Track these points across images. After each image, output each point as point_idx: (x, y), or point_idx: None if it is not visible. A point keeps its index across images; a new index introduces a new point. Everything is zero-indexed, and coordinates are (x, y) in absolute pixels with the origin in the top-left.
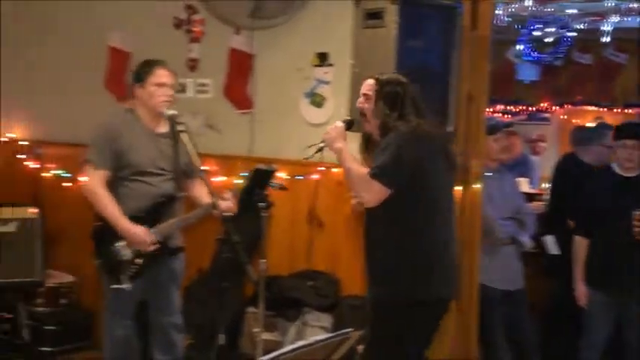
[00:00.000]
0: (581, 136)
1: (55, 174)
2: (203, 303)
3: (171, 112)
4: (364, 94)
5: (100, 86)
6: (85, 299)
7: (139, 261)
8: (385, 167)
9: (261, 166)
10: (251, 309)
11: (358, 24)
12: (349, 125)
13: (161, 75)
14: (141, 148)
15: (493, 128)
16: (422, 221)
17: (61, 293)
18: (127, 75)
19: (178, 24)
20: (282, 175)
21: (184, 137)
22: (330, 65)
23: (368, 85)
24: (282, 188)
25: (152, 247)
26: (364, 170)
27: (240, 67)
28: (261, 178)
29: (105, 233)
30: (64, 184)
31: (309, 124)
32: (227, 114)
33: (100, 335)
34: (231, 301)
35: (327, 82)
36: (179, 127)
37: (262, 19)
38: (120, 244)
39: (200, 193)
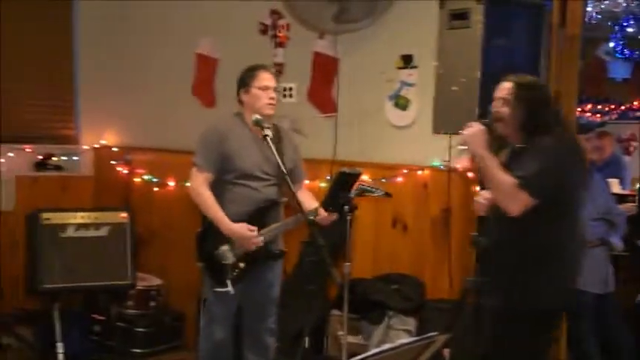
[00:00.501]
0: None
1: (144, 179)
2: (288, 306)
3: (255, 117)
4: (501, 98)
5: (188, 93)
6: (174, 301)
7: (242, 265)
8: (534, 178)
9: (346, 169)
10: (335, 312)
11: (443, 25)
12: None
13: (264, 78)
14: (247, 152)
15: (584, 128)
16: (559, 233)
17: (150, 296)
18: (214, 81)
19: (264, 30)
20: (365, 177)
21: (269, 142)
22: (415, 67)
23: (505, 88)
24: (387, 195)
25: (256, 245)
26: (510, 179)
27: (325, 71)
28: (345, 181)
29: (209, 237)
30: (153, 189)
31: (394, 126)
32: (311, 118)
33: (189, 336)
34: (315, 304)
35: (411, 85)
36: (265, 132)
37: (346, 23)
38: (224, 247)
39: (303, 198)
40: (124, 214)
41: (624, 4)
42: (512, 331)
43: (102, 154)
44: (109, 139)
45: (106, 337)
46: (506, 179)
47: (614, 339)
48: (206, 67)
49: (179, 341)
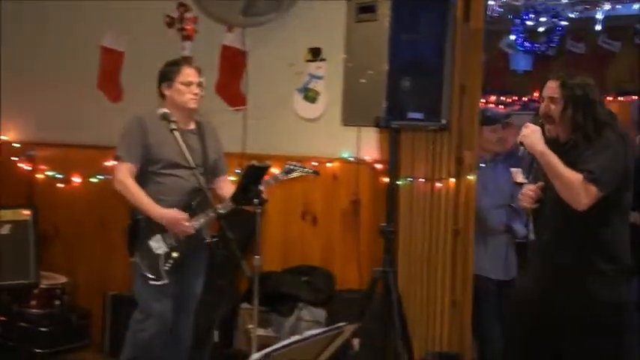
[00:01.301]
0: None
1: (47, 175)
2: (198, 301)
3: (162, 110)
4: (550, 97)
5: (93, 87)
6: (81, 300)
7: (175, 255)
8: (602, 172)
9: (255, 162)
10: (245, 305)
11: (351, 18)
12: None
13: (188, 74)
14: (172, 142)
15: (491, 119)
16: (620, 223)
17: (55, 294)
18: (119, 75)
19: (171, 22)
20: (275, 170)
21: (176, 135)
22: (323, 60)
23: (553, 87)
24: (315, 173)
25: (189, 230)
26: (577, 174)
27: (233, 64)
28: (255, 174)
29: (140, 229)
30: (58, 185)
31: (303, 119)
32: (220, 111)
33: (96, 335)
34: (225, 298)
35: (320, 77)
36: (171, 126)
37: (254, 16)
38: (156, 237)
39: (226, 189)
40: (27, 212)
41: None
42: (590, 329)
43: (3, 150)
44: (10, 135)
45: (7, 337)
46: (573, 174)
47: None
48: (111, 60)
49: (86, 340)
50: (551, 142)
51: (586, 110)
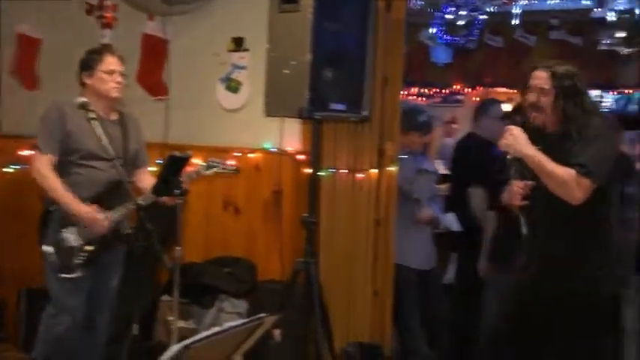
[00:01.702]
0: (473, 112)
1: None
2: (117, 293)
3: (80, 99)
4: (540, 88)
5: (7, 75)
6: None
7: (90, 248)
8: (594, 163)
9: (176, 153)
10: (165, 297)
11: (274, 9)
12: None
13: (111, 62)
14: (90, 132)
15: (424, 125)
16: (608, 212)
17: None
18: (36, 62)
19: (90, 10)
20: (198, 161)
21: (95, 125)
22: (246, 50)
23: (542, 77)
24: (236, 171)
25: (106, 228)
26: (569, 170)
27: (154, 53)
28: (176, 164)
29: (53, 219)
30: None
31: (225, 109)
32: (141, 101)
33: (10, 327)
34: (145, 290)
35: (243, 68)
36: (89, 115)
37: (176, 5)
38: (70, 229)
39: (147, 181)
40: None
41: None
42: (588, 319)
43: None
44: None
45: None
46: (564, 171)
47: (435, 313)
48: (28, 47)
49: (0, 334)
50: (536, 132)
51: (576, 100)
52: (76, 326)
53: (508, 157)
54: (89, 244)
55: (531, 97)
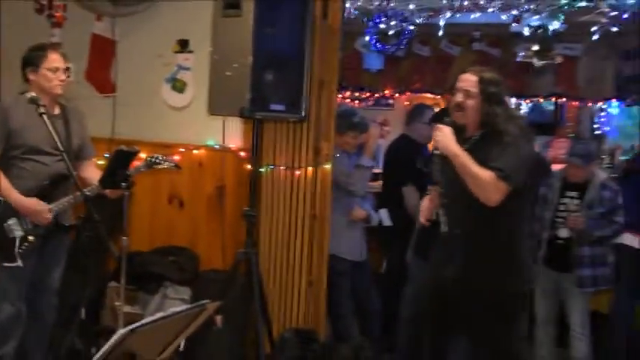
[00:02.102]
0: (406, 116)
1: None
2: (65, 279)
3: (30, 94)
4: (465, 90)
5: None
6: None
7: (32, 239)
8: (511, 168)
9: (123, 147)
10: (113, 283)
11: (218, 13)
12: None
13: (54, 60)
14: (35, 128)
15: (359, 126)
16: (524, 216)
17: None
18: None
19: (40, 9)
20: (143, 155)
21: (45, 119)
22: (191, 52)
23: (470, 81)
24: (177, 167)
25: (48, 219)
26: (489, 172)
27: (102, 52)
28: (123, 159)
29: None
30: None
31: (171, 107)
32: (89, 97)
33: None
34: (91, 277)
35: (187, 68)
36: (40, 110)
37: (123, 7)
38: (11, 220)
39: (90, 173)
40: None
41: (377, 3)
42: (499, 322)
43: None
44: None
45: None
46: (484, 172)
47: (366, 302)
48: None
49: None
50: (459, 134)
51: (498, 106)
52: (18, 313)
53: (435, 152)
54: (31, 234)
55: (458, 97)
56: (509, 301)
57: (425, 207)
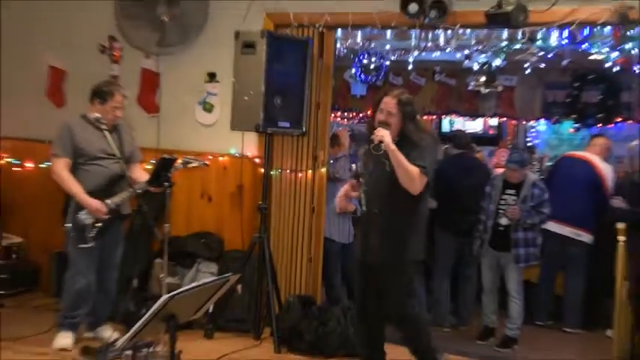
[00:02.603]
0: None
1: (7, 161)
2: (122, 257)
3: (95, 116)
4: (388, 111)
5: (42, 96)
6: (32, 256)
7: (98, 225)
8: (429, 166)
9: (166, 155)
10: (158, 260)
11: (238, 51)
12: None
13: (118, 100)
14: (93, 140)
15: (334, 139)
16: (426, 203)
17: (12, 250)
18: (63, 87)
19: (103, 50)
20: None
21: (108, 135)
22: (217, 82)
23: (391, 103)
24: (205, 164)
25: (104, 213)
26: (416, 168)
27: (150, 82)
28: (165, 164)
29: (71, 205)
30: (14, 169)
31: (202, 124)
32: (140, 117)
33: (44, 283)
34: (142, 254)
35: (214, 94)
36: (102, 127)
37: (165, 47)
38: (83, 212)
39: (138, 174)
40: None
41: (361, 44)
42: (401, 279)
43: None
44: None
45: None
46: (413, 168)
47: (352, 274)
48: (57, 76)
49: (35, 286)
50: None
51: (413, 121)
52: (89, 284)
53: (374, 144)
54: (98, 222)
55: (381, 116)
56: (410, 266)
57: (339, 198)
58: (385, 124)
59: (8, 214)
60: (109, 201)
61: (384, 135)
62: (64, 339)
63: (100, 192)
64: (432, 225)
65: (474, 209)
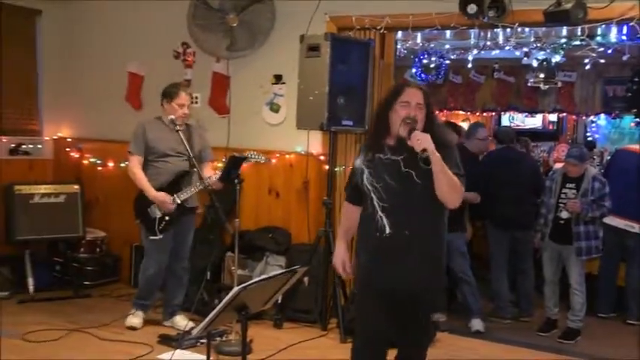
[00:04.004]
0: (466, 132)
1: (90, 161)
2: (196, 250)
3: (171, 117)
4: (419, 104)
5: (122, 100)
6: (113, 249)
7: (167, 218)
8: (461, 168)
9: (235, 154)
10: (229, 253)
11: (303, 54)
12: None
13: (183, 98)
14: (164, 139)
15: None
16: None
17: (96, 244)
18: (141, 91)
19: (177, 55)
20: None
21: (181, 134)
22: (283, 83)
23: (418, 95)
24: (269, 160)
25: (171, 208)
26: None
27: (220, 85)
28: (235, 162)
29: (142, 200)
30: (97, 168)
31: (269, 124)
32: (211, 117)
33: (124, 273)
34: (215, 248)
35: (281, 95)
36: (177, 128)
37: (234, 52)
38: (153, 206)
39: (207, 172)
40: (76, 186)
41: (421, 44)
42: (438, 304)
43: (59, 144)
44: (65, 132)
45: (64, 274)
46: (454, 176)
47: None
48: (135, 81)
49: (117, 276)
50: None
51: (434, 114)
52: (160, 271)
53: (423, 156)
54: (166, 215)
55: (409, 111)
56: (441, 294)
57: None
58: (414, 121)
59: (92, 210)
60: (175, 196)
61: (428, 140)
62: (134, 318)
63: (168, 187)
64: (483, 218)
65: (522, 201)
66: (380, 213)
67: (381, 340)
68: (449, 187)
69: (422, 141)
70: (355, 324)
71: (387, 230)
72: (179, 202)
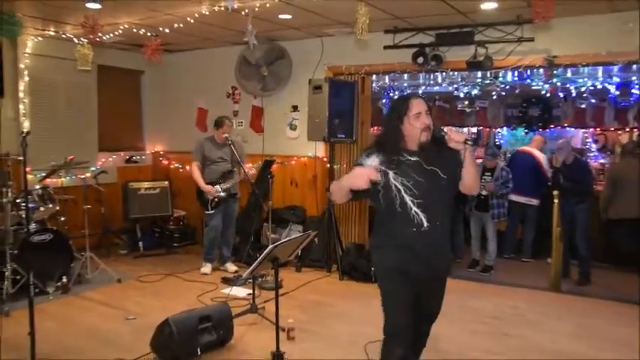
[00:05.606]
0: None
1: (175, 166)
2: (242, 222)
3: (226, 135)
4: (426, 111)
5: (194, 126)
6: (191, 222)
7: (217, 200)
8: None
9: (268, 158)
10: (265, 224)
11: (310, 91)
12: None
13: (227, 126)
14: (213, 150)
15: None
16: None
17: (181, 219)
18: (206, 120)
19: (228, 95)
20: (279, 162)
21: (231, 145)
22: (298, 111)
23: (423, 103)
24: (274, 160)
25: (215, 194)
26: None
27: (257, 113)
28: (268, 164)
29: (199, 190)
30: (179, 171)
31: (290, 138)
32: (252, 135)
33: (198, 238)
34: (256, 220)
35: (297, 119)
36: (229, 141)
37: (266, 91)
38: (205, 193)
39: (242, 171)
40: (166, 183)
41: (388, 83)
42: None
43: (156, 155)
44: (159, 147)
45: (161, 238)
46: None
47: None
48: (202, 113)
49: (194, 240)
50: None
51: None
52: (217, 235)
53: (468, 142)
54: (214, 199)
55: (425, 120)
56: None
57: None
58: (429, 128)
59: (176, 197)
60: (218, 186)
61: (462, 134)
62: (205, 267)
63: (215, 181)
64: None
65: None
66: (415, 208)
67: (413, 314)
68: (474, 177)
69: (459, 135)
70: (385, 312)
71: (425, 224)
72: (220, 190)
